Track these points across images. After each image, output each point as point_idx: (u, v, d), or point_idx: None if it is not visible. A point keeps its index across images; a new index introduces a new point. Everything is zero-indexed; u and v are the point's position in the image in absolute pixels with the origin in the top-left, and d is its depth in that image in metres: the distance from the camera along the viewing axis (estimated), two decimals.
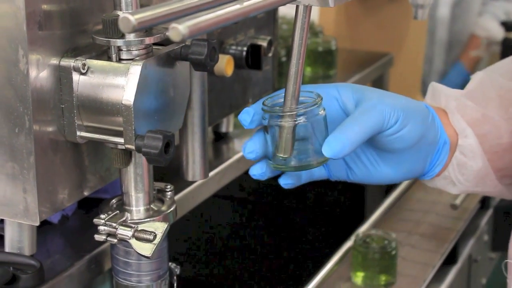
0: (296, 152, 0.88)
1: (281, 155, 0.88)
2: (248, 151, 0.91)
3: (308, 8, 0.86)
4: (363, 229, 1.45)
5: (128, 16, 0.64)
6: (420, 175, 0.96)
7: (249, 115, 0.90)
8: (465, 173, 0.96)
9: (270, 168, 0.90)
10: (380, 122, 0.88)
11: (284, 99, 0.88)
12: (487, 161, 0.95)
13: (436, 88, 1.01)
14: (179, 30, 0.62)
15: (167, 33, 0.66)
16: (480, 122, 0.95)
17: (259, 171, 0.92)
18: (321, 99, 0.88)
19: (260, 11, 0.73)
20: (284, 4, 0.78)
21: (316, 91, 0.90)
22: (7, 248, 0.96)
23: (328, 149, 0.85)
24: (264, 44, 1.28)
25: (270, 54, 1.30)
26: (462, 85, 2.94)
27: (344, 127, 0.86)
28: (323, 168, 0.95)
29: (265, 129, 0.89)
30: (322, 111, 0.88)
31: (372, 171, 0.94)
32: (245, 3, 0.71)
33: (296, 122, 0.87)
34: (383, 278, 1.31)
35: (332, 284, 1.32)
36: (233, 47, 1.25)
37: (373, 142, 0.91)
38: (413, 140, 0.91)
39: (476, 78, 1.01)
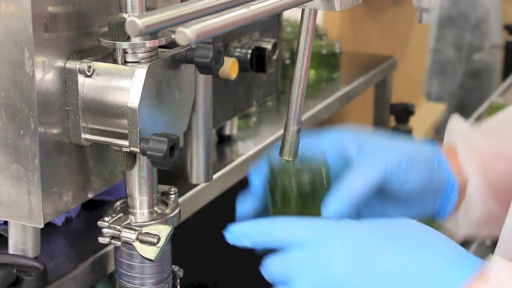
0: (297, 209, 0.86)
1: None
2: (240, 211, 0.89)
3: (313, 12, 0.86)
4: None
5: (135, 20, 0.63)
6: (431, 216, 0.95)
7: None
8: (467, 216, 0.93)
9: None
10: (382, 173, 0.85)
11: (289, 104, 0.88)
12: (494, 204, 0.91)
13: (453, 124, 0.97)
14: (186, 34, 0.62)
15: (174, 37, 0.65)
16: (494, 160, 0.91)
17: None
18: (325, 158, 0.87)
19: (267, 15, 0.73)
20: (290, 8, 0.78)
21: (321, 146, 0.89)
22: (10, 250, 0.96)
23: (328, 210, 0.83)
24: (268, 47, 1.27)
25: (274, 57, 1.30)
26: None
27: (343, 185, 0.84)
28: None
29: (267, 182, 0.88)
30: (324, 169, 0.86)
31: (380, 214, 0.91)
32: (252, 7, 0.71)
33: (298, 181, 0.86)
34: None
35: None
36: (238, 50, 1.25)
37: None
38: (417, 187, 0.89)
39: (504, 113, 0.97)
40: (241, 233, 0.78)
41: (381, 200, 0.92)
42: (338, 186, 0.85)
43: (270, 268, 0.74)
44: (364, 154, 0.87)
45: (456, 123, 0.97)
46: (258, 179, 0.87)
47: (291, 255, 0.73)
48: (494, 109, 1.84)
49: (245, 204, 0.88)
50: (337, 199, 0.83)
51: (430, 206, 0.93)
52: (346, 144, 0.90)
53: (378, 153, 0.87)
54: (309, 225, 0.75)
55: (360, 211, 0.92)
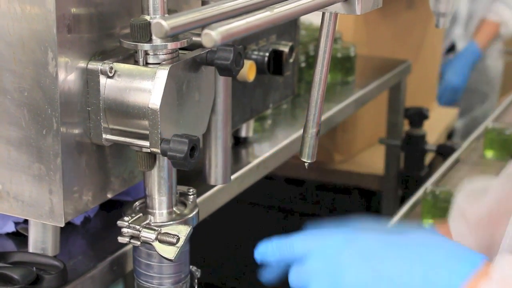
0: None
1: None
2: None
3: (334, 16, 0.86)
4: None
5: (161, 22, 0.64)
6: None
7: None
8: None
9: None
10: None
11: (308, 107, 0.89)
12: None
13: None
14: (212, 36, 0.62)
15: (198, 39, 0.66)
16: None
17: None
18: None
19: (289, 18, 0.74)
20: (312, 11, 0.79)
21: None
22: (30, 249, 0.97)
23: None
24: (285, 50, 1.28)
25: (291, 60, 1.31)
26: (472, 64, 2.87)
27: None
28: None
29: None
30: None
31: None
32: (275, 10, 0.71)
33: None
34: None
35: None
36: (255, 53, 1.25)
37: None
38: None
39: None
40: (266, 252, 0.82)
41: None
42: None
43: (291, 279, 0.79)
44: None
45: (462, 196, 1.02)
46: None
47: (308, 264, 0.77)
48: (490, 134, 1.86)
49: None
50: None
51: None
52: None
53: None
54: (323, 237, 0.79)
55: None
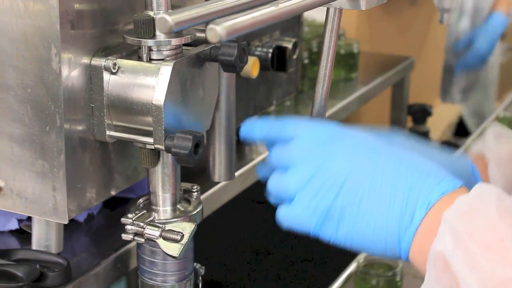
0: None
1: None
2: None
3: (338, 11, 0.86)
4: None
5: (166, 17, 0.64)
6: None
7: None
8: None
9: None
10: None
11: (313, 103, 0.89)
12: None
13: (488, 134, 0.98)
14: (217, 31, 0.62)
15: (201, 34, 0.66)
16: None
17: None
18: None
19: (294, 14, 0.74)
20: (317, 7, 0.78)
21: None
22: (34, 246, 0.97)
23: None
24: (289, 46, 1.28)
25: (295, 56, 1.30)
26: (501, 32, 2.80)
27: None
28: None
29: None
30: None
31: None
32: (280, 6, 0.71)
33: None
34: None
35: None
36: (259, 49, 1.25)
37: None
38: None
39: None
40: (254, 128, 0.81)
41: None
42: None
43: (272, 156, 0.78)
44: None
45: (490, 134, 0.98)
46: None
47: (296, 144, 0.76)
48: (501, 122, 1.86)
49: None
50: None
51: None
52: None
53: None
54: (317, 125, 0.79)
55: None
